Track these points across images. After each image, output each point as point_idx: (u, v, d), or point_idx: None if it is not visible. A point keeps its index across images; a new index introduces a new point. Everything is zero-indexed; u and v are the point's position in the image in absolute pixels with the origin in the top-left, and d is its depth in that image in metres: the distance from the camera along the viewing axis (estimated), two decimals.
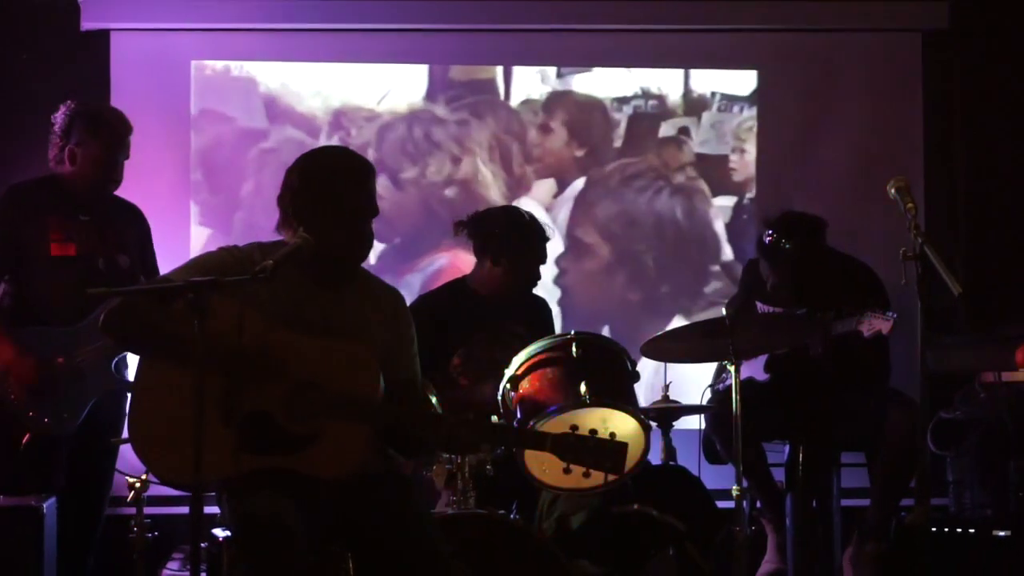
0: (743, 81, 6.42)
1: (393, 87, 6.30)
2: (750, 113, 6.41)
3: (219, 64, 6.24)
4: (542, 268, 4.83)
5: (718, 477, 5.04)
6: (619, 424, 4.03)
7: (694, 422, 5.18)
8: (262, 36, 6.23)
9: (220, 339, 3.20)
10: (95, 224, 4.63)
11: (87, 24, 6.04)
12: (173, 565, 5.27)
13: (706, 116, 6.43)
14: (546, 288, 5.84)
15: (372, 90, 6.29)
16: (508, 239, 4.69)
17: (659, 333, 4.70)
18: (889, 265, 4.05)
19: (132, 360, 4.55)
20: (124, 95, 5.95)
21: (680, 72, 6.42)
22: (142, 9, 6.09)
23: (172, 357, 3.31)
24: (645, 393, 5.56)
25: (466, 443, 3.48)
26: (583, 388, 4.07)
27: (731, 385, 4.36)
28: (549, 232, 4.85)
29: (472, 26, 6.34)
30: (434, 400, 4.08)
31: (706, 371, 5.28)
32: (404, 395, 3.53)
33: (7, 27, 6.03)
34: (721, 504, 4.67)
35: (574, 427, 3.44)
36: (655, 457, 4.68)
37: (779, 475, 5.11)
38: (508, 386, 4.23)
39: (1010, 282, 6.19)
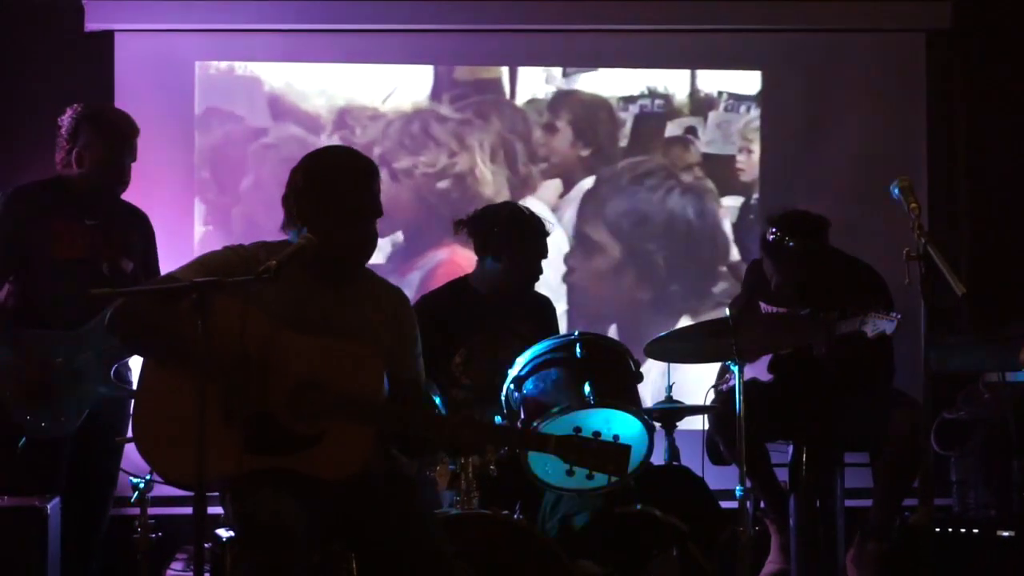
0: (750, 81, 6.42)
1: (398, 86, 6.31)
2: (757, 113, 6.41)
3: (223, 64, 6.24)
4: (544, 263, 4.82)
5: (721, 477, 5.04)
6: (622, 425, 4.03)
7: (698, 423, 5.17)
8: (266, 37, 6.23)
9: (226, 337, 3.20)
10: (100, 228, 4.63)
11: (91, 25, 6.05)
12: (177, 565, 5.27)
13: (712, 116, 6.43)
14: (554, 286, 5.85)
15: (377, 90, 6.30)
16: (508, 235, 4.69)
17: (663, 333, 4.70)
18: (892, 265, 4.03)
19: (134, 364, 4.56)
20: (128, 96, 5.95)
21: (686, 71, 6.42)
22: (146, 10, 6.10)
23: (175, 358, 3.31)
24: (652, 393, 5.58)
25: (469, 444, 3.48)
26: (587, 389, 4.07)
27: (735, 385, 4.35)
28: (550, 227, 4.85)
29: (477, 27, 6.34)
30: (438, 400, 4.09)
31: (710, 371, 5.28)
32: (407, 395, 3.53)
33: (11, 28, 6.04)
34: (724, 504, 4.67)
35: (578, 429, 3.45)
36: (658, 457, 4.67)
37: (782, 475, 5.11)
38: (512, 386, 4.23)
39: (1014, 282, 6.18)
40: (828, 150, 6.36)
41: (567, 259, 6.32)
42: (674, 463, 4.93)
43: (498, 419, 4.26)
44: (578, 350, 4.19)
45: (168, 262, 4.82)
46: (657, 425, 4.68)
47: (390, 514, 3.38)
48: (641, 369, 4.41)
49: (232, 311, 3.25)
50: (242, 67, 6.25)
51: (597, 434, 3.40)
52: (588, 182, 6.38)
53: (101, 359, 4.48)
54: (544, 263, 4.81)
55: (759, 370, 5.00)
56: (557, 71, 6.39)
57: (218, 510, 3.53)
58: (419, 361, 3.67)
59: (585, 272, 6.34)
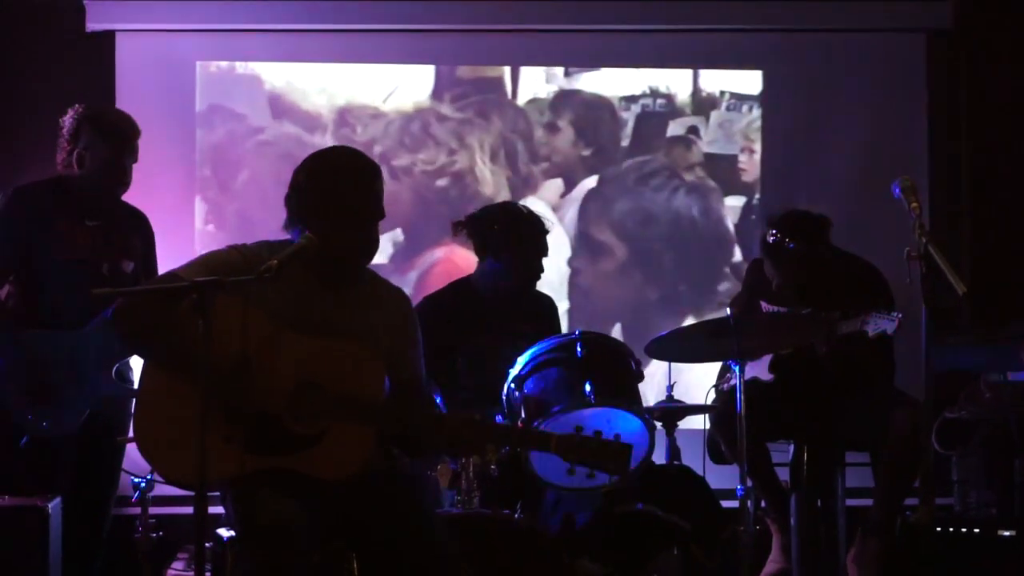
0: (752, 80, 6.43)
1: (400, 85, 6.31)
2: (759, 113, 6.41)
3: (224, 63, 6.25)
4: (545, 263, 4.82)
5: (722, 477, 5.04)
6: (623, 424, 4.03)
7: (699, 422, 5.17)
8: (268, 37, 6.24)
9: (220, 341, 3.20)
10: (101, 229, 4.63)
11: (92, 25, 6.06)
12: (178, 565, 5.28)
13: (714, 115, 6.43)
14: (555, 285, 5.85)
15: (379, 89, 6.30)
16: (507, 234, 4.68)
17: (664, 333, 4.70)
18: (893, 265, 4.04)
19: (135, 364, 4.56)
20: (129, 96, 5.96)
21: (689, 71, 6.42)
22: (147, 10, 6.11)
23: (176, 358, 3.31)
24: (654, 392, 5.57)
25: (470, 444, 3.48)
26: (587, 388, 4.07)
27: (735, 385, 4.35)
28: (549, 225, 4.85)
29: (479, 26, 6.34)
30: (438, 400, 4.09)
31: (711, 371, 5.28)
32: (408, 396, 3.53)
33: (12, 28, 6.04)
34: (725, 504, 4.67)
35: (579, 427, 3.45)
36: (660, 457, 4.67)
37: (783, 475, 5.11)
38: (512, 386, 4.23)
39: (1015, 282, 6.19)
40: (829, 150, 6.37)
41: (571, 261, 6.32)
42: (675, 462, 4.93)
43: (499, 418, 4.26)
44: (579, 349, 4.19)
45: (169, 261, 4.79)
46: (658, 424, 4.68)
47: (391, 514, 3.38)
48: (642, 368, 4.41)
49: (233, 310, 3.25)
50: (243, 66, 6.26)
51: (598, 433, 3.40)
52: (590, 182, 6.38)
53: (102, 359, 4.48)
54: (545, 262, 4.81)
55: (760, 369, 5.00)
56: (559, 70, 6.39)
57: (219, 510, 3.53)
58: (420, 362, 3.67)
59: (590, 273, 6.34)
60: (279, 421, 3.32)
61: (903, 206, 3.66)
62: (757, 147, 6.42)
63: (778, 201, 5.80)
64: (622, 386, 4.24)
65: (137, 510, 4.59)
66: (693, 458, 5.10)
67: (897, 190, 3.70)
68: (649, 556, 4.26)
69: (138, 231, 4.81)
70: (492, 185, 6.31)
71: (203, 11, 6.16)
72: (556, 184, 6.37)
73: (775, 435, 5.05)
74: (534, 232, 4.72)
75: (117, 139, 4.63)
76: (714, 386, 5.18)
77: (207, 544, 3.93)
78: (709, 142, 6.43)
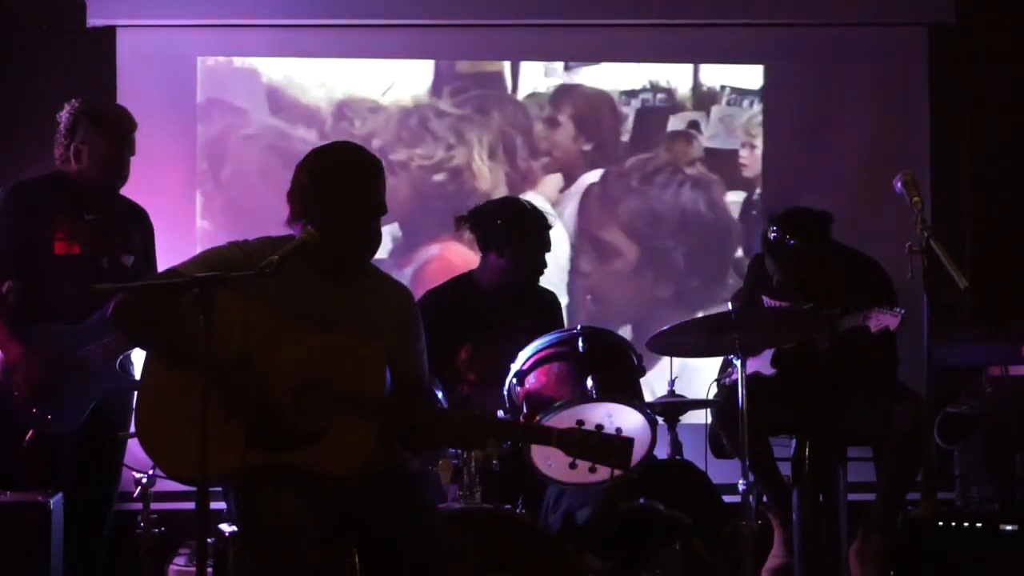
0: (753, 75, 6.42)
1: (399, 79, 6.30)
2: (760, 107, 6.41)
3: (225, 58, 6.24)
4: (548, 257, 4.82)
5: (724, 472, 5.04)
6: (625, 419, 4.03)
7: (700, 417, 5.17)
8: (269, 32, 6.23)
9: (221, 337, 3.19)
10: (100, 223, 4.63)
11: (93, 21, 6.05)
12: (180, 561, 5.28)
13: (715, 110, 6.42)
14: (556, 283, 5.84)
15: (378, 83, 6.29)
16: (510, 229, 4.68)
17: (665, 327, 4.69)
18: (895, 259, 4.04)
19: (137, 358, 4.56)
20: (130, 92, 5.97)
21: (689, 65, 6.41)
22: (148, 6, 6.10)
23: (178, 353, 3.31)
24: (655, 387, 5.58)
25: (472, 439, 3.48)
26: (589, 383, 4.07)
27: (737, 380, 4.35)
28: (552, 220, 4.84)
29: (478, 21, 6.34)
30: (440, 396, 4.09)
31: (713, 366, 5.28)
32: (411, 391, 3.53)
33: (13, 24, 6.04)
34: (727, 499, 4.67)
35: (580, 422, 3.44)
36: (661, 451, 4.67)
37: (785, 470, 5.10)
38: (514, 381, 4.23)
39: (1016, 276, 6.18)
40: (831, 144, 6.36)
41: (580, 263, 6.30)
42: (677, 457, 4.93)
43: (500, 413, 4.25)
44: (580, 344, 4.19)
45: (170, 256, 4.81)
46: (660, 419, 4.68)
47: (393, 509, 3.38)
48: (644, 363, 4.41)
49: (234, 306, 3.25)
50: (243, 61, 6.25)
51: (600, 427, 3.39)
52: (589, 177, 6.36)
53: (105, 352, 4.48)
54: (547, 259, 4.81)
55: (762, 364, 5.00)
56: (558, 65, 6.38)
57: (221, 505, 3.53)
58: (422, 357, 3.66)
59: (600, 275, 6.32)
60: (281, 417, 3.32)
61: (905, 201, 3.65)
62: (758, 142, 6.41)
63: (780, 196, 5.80)
64: (624, 381, 4.23)
65: (139, 506, 4.58)
66: (695, 453, 5.10)
67: (899, 185, 3.69)
68: (651, 551, 4.27)
69: (137, 225, 4.81)
70: (490, 180, 6.30)
71: (204, 6, 6.15)
72: (555, 179, 6.36)
73: (777, 430, 5.05)
74: (537, 227, 4.72)
75: (114, 133, 4.64)
76: (716, 381, 5.18)
77: (209, 540, 3.93)
78: (710, 137, 6.42)
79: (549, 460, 3.99)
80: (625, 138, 6.38)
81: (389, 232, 6.18)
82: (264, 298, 3.35)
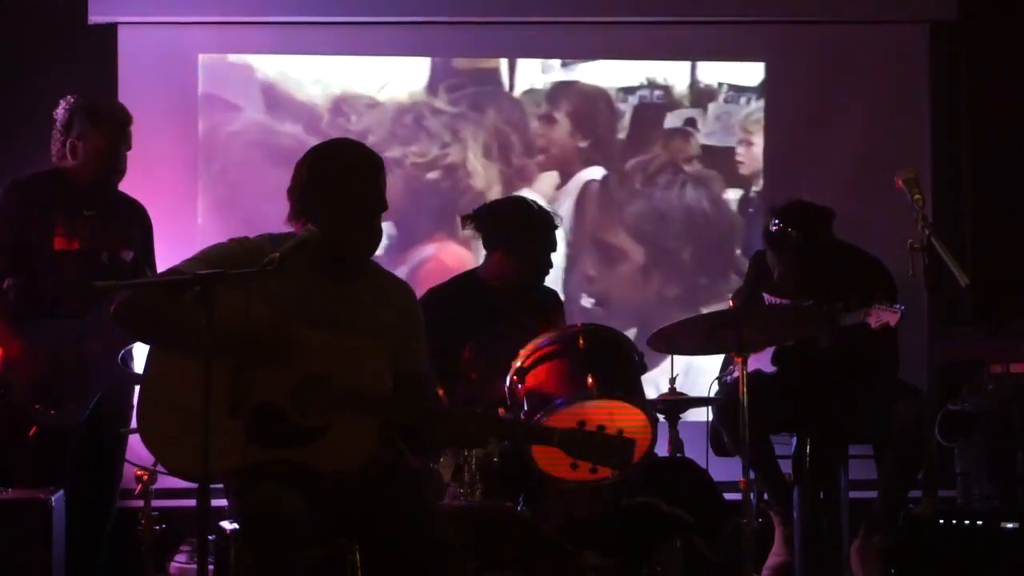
0: (750, 72, 6.41)
1: (396, 75, 6.30)
2: (757, 104, 6.40)
3: (227, 55, 6.24)
4: (553, 257, 4.82)
5: (725, 469, 5.04)
6: (626, 416, 4.03)
7: (701, 414, 5.18)
8: (270, 29, 6.24)
9: (231, 327, 3.20)
10: (99, 219, 4.64)
11: (95, 18, 6.06)
12: (181, 558, 5.29)
13: (712, 107, 6.41)
14: (552, 279, 5.83)
15: (374, 80, 6.28)
16: (516, 229, 4.68)
17: (666, 325, 4.69)
18: (896, 256, 4.04)
19: (139, 352, 4.57)
20: (131, 89, 5.98)
21: (687, 62, 6.40)
22: (149, 3, 6.11)
23: (183, 347, 3.31)
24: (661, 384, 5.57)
25: (473, 437, 3.48)
26: (590, 380, 4.07)
27: (738, 377, 4.35)
28: (558, 221, 4.84)
29: (475, 18, 6.33)
30: (441, 394, 4.08)
31: (714, 363, 5.28)
32: (412, 389, 3.53)
33: (15, 21, 6.04)
34: (728, 496, 4.67)
35: (581, 421, 3.44)
36: (662, 449, 4.67)
37: (786, 467, 5.11)
38: (515, 378, 4.22)
39: (1018, 273, 6.18)
40: (832, 141, 6.36)
41: (576, 261, 6.29)
42: (678, 455, 4.93)
43: (502, 411, 4.25)
44: (581, 342, 4.18)
45: (171, 252, 4.82)
46: (661, 417, 4.68)
47: (394, 507, 3.38)
48: (645, 361, 4.40)
49: (235, 303, 3.25)
50: (244, 59, 6.25)
51: (601, 426, 3.39)
52: (586, 174, 6.35)
53: (106, 346, 4.49)
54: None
55: (763, 362, 5.00)
56: (556, 61, 6.37)
57: (222, 502, 3.53)
58: (423, 355, 3.66)
59: (607, 279, 6.31)
60: (282, 414, 3.32)
61: (906, 198, 3.65)
62: (755, 139, 6.41)
63: (781, 194, 5.80)
64: (625, 378, 4.23)
65: (140, 503, 4.59)
66: (696, 450, 5.10)
67: (900, 182, 3.69)
68: (652, 548, 4.26)
69: (136, 221, 4.82)
70: (485, 178, 6.29)
71: (205, 3, 6.15)
72: (552, 176, 6.35)
73: (778, 427, 5.05)
74: (544, 228, 4.72)
75: (109, 127, 4.65)
76: (717, 378, 5.19)
77: (210, 537, 3.93)
78: (707, 134, 6.42)
79: (550, 458, 3.98)
80: (622, 135, 6.37)
81: (384, 230, 6.15)
82: (266, 295, 3.35)
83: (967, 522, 4.82)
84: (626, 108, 6.38)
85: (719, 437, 5.07)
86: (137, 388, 3.79)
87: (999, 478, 5.50)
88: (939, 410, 5.55)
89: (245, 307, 3.22)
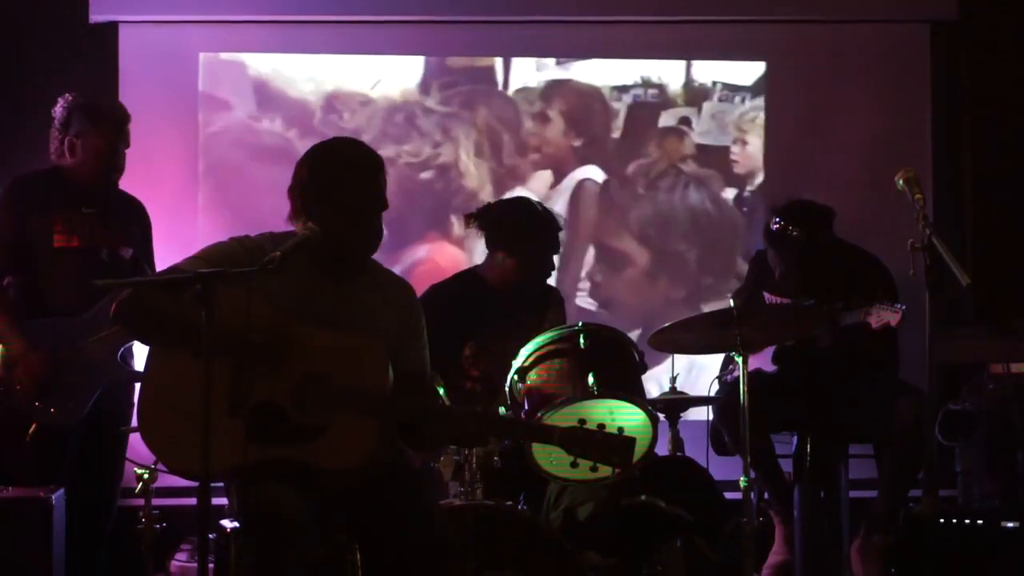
0: (745, 71, 6.40)
1: (389, 73, 6.29)
2: (752, 103, 6.40)
3: (228, 54, 6.24)
4: (555, 258, 4.82)
5: (726, 468, 5.04)
6: (626, 415, 4.03)
7: (702, 413, 5.18)
8: (271, 28, 6.24)
9: (232, 326, 3.20)
10: (98, 216, 4.64)
11: (95, 16, 6.06)
12: (181, 556, 5.28)
13: (707, 106, 6.41)
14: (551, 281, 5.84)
15: (368, 78, 6.28)
16: (519, 231, 4.68)
17: (667, 324, 4.69)
18: (897, 256, 4.04)
19: (139, 350, 4.57)
20: (132, 87, 5.99)
21: (681, 61, 6.39)
22: (150, 1, 6.10)
23: (183, 346, 3.31)
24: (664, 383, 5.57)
25: (474, 436, 3.48)
26: (591, 379, 4.07)
27: (739, 376, 4.35)
28: (561, 222, 4.84)
29: (470, 17, 6.32)
30: (442, 392, 4.08)
31: (714, 362, 5.28)
32: (413, 387, 3.53)
33: (16, 20, 6.04)
34: (729, 495, 4.67)
35: (582, 420, 3.44)
36: (662, 448, 4.67)
37: (787, 466, 5.11)
38: (516, 377, 4.23)
39: (1018, 272, 6.18)
40: (832, 141, 6.35)
41: (592, 274, 6.29)
42: (678, 454, 4.93)
43: (502, 410, 4.25)
44: (582, 340, 4.18)
45: (172, 250, 4.82)
46: (661, 416, 4.68)
47: (394, 505, 3.38)
48: (645, 359, 4.41)
49: (236, 302, 3.25)
50: (246, 57, 6.25)
51: (602, 425, 3.39)
52: (579, 173, 6.34)
53: (106, 343, 4.49)
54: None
55: (763, 361, 5.00)
56: (550, 60, 6.36)
57: (223, 501, 3.53)
58: (424, 353, 3.66)
59: (614, 284, 6.30)
60: (283, 413, 3.32)
61: (906, 198, 3.66)
62: (750, 138, 6.40)
63: (781, 193, 5.79)
64: (625, 377, 4.23)
65: (140, 501, 4.59)
66: (696, 449, 5.10)
67: (900, 182, 3.69)
68: (652, 548, 4.26)
69: (135, 218, 4.83)
70: (477, 177, 6.28)
71: (206, 2, 6.16)
72: (545, 175, 6.34)
73: (778, 427, 5.05)
74: (547, 230, 4.72)
75: (107, 126, 4.66)
76: (717, 377, 5.19)
77: (210, 535, 3.93)
78: (701, 133, 6.41)
79: (551, 457, 3.99)
80: (616, 134, 6.36)
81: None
82: (266, 294, 3.34)
83: (967, 521, 4.82)
84: (620, 107, 6.37)
85: (719, 436, 5.07)
86: (137, 386, 3.79)
87: (999, 478, 5.50)
88: (940, 409, 5.55)
89: (246, 306, 3.22)
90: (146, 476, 4.49)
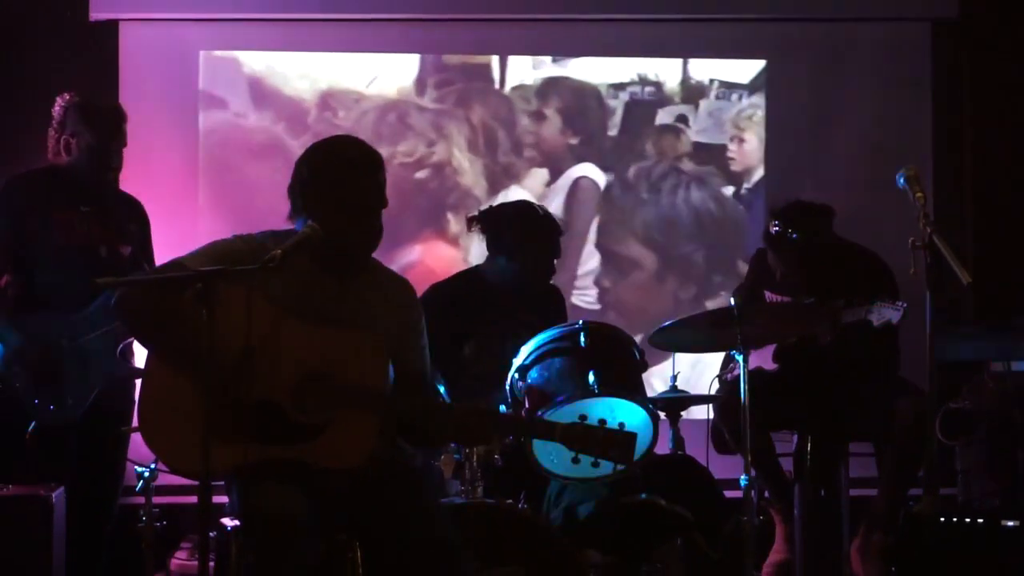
0: (742, 68, 6.40)
1: (385, 70, 6.29)
2: (749, 101, 6.39)
3: (228, 52, 6.24)
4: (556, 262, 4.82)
5: (726, 467, 5.04)
6: (627, 414, 4.03)
7: (703, 412, 5.17)
8: (271, 26, 6.24)
9: (224, 330, 3.19)
10: (96, 214, 4.64)
11: (96, 14, 6.07)
12: (182, 555, 5.29)
13: (704, 104, 6.40)
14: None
15: (363, 76, 6.28)
16: (521, 235, 4.68)
17: (667, 323, 4.69)
18: (898, 255, 4.04)
19: (138, 346, 4.57)
20: (133, 85, 5.99)
21: (679, 59, 6.39)
22: None
23: (179, 351, 3.30)
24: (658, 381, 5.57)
25: (475, 434, 3.48)
26: (591, 378, 4.07)
27: (739, 375, 4.35)
28: (563, 226, 4.84)
29: (467, 15, 6.32)
30: (442, 390, 4.09)
31: (715, 361, 5.28)
32: (413, 385, 3.53)
33: (16, 18, 6.04)
34: (729, 494, 4.67)
35: (583, 418, 3.44)
36: (663, 447, 4.67)
37: (787, 465, 5.11)
38: (516, 376, 4.23)
39: (1019, 271, 6.18)
40: (833, 139, 6.36)
41: (598, 279, 6.28)
42: (679, 452, 4.93)
43: (503, 408, 4.25)
44: (582, 339, 4.18)
45: (172, 248, 4.81)
46: (662, 414, 4.68)
47: (395, 504, 3.38)
48: (646, 358, 4.41)
49: (237, 300, 3.24)
50: (245, 55, 6.25)
51: (603, 422, 3.39)
52: (575, 171, 6.34)
53: (106, 339, 4.49)
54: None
55: (764, 359, 4.99)
56: (547, 58, 6.36)
57: (223, 499, 3.53)
58: (424, 351, 3.66)
59: (622, 288, 6.29)
60: (283, 411, 3.32)
61: (907, 196, 3.65)
62: (747, 136, 6.40)
63: (782, 191, 5.80)
64: (626, 376, 4.23)
65: (141, 500, 4.59)
66: (697, 448, 5.10)
67: (902, 180, 3.69)
68: (652, 546, 4.27)
69: (134, 216, 4.83)
70: (473, 175, 6.28)
71: (206, 0, 6.16)
72: (541, 173, 6.34)
73: (779, 425, 5.05)
74: (548, 234, 4.72)
75: (101, 124, 4.66)
76: (718, 376, 5.18)
77: (211, 534, 3.93)
78: (698, 131, 6.40)
79: (551, 455, 3.99)
80: (613, 132, 6.35)
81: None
82: (267, 292, 3.34)
83: (968, 520, 4.81)
84: (617, 104, 6.36)
85: (720, 435, 5.07)
86: (138, 384, 3.79)
87: (1000, 476, 5.50)
88: (940, 408, 5.55)
89: (247, 305, 3.22)
90: (147, 474, 4.49)
